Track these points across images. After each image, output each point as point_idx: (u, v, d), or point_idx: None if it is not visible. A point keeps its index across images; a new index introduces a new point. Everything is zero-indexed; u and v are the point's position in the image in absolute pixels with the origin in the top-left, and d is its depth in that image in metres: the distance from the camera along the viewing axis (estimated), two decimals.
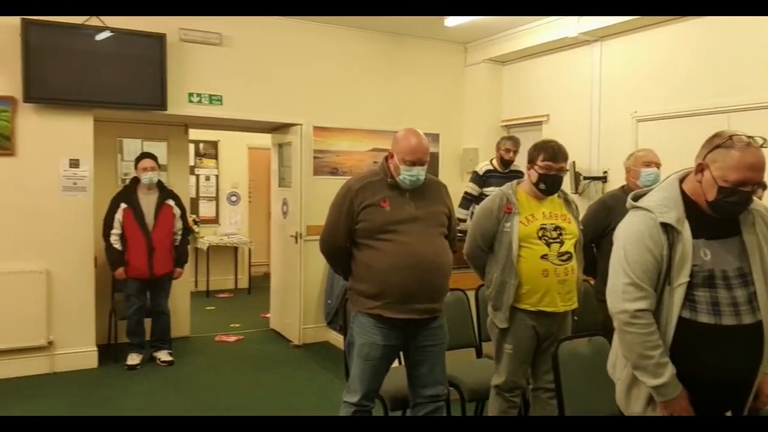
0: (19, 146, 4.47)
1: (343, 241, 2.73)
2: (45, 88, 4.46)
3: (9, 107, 4.40)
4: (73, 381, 4.46)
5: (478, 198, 5.07)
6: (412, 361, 2.79)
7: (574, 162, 5.03)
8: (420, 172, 2.68)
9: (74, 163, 4.65)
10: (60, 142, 4.59)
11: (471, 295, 3.56)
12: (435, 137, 6.05)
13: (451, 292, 3.26)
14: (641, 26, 4.70)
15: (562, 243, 2.83)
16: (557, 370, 2.34)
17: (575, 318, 2.97)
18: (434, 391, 2.78)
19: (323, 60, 5.56)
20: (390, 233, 2.62)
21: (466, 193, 5.19)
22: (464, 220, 4.85)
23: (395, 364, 2.86)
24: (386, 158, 2.77)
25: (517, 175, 5.00)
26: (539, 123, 5.68)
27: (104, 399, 4.15)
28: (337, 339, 5.36)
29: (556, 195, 2.93)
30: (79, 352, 4.72)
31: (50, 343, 4.60)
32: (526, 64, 5.86)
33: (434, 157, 5.92)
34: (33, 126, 4.51)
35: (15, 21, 4.31)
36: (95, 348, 4.82)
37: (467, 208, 5.07)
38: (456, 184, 5.56)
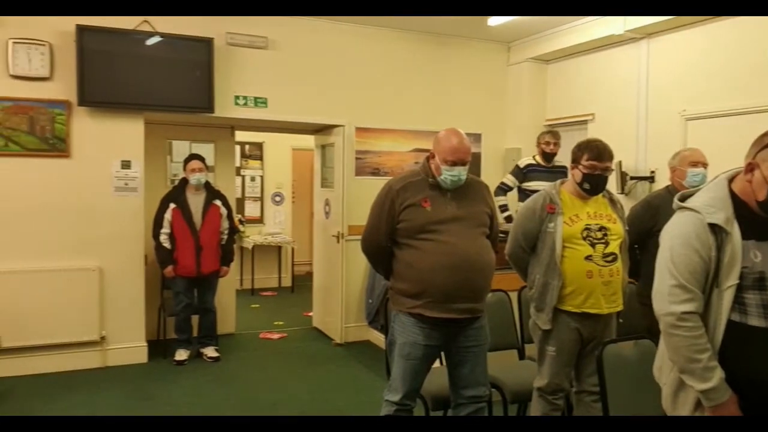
0: (74, 148, 4.65)
1: (384, 241, 2.75)
2: (98, 92, 4.62)
3: (65, 110, 4.59)
4: (124, 375, 4.62)
5: (518, 191, 5.07)
6: (453, 361, 2.79)
7: (620, 162, 4.94)
8: (461, 172, 2.68)
9: (126, 165, 4.81)
10: (112, 144, 4.76)
11: (513, 296, 3.53)
12: (477, 137, 6.02)
13: (493, 293, 3.25)
14: (690, 23, 4.57)
15: (607, 244, 2.78)
16: (602, 373, 2.31)
17: (620, 320, 2.91)
18: (475, 392, 2.77)
19: (366, 62, 5.60)
20: (431, 233, 2.63)
21: (501, 183, 5.16)
22: (505, 206, 5.00)
23: (436, 364, 2.87)
24: (427, 158, 2.77)
25: (561, 169, 4.96)
26: (584, 122, 5.59)
27: (154, 393, 4.28)
28: (378, 338, 5.39)
29: (600, 195, 2.89)
30: (130, 347, 4.88)
31: (103, 338, 4.77)
32: (571, 62, 5.77)
33: (476, 157, 5.91)
34: (87, 129, 4.68)
35: (70, 27, 4.49)
36: (145, 343, 4.97)
37: (498, 196, 5.03)
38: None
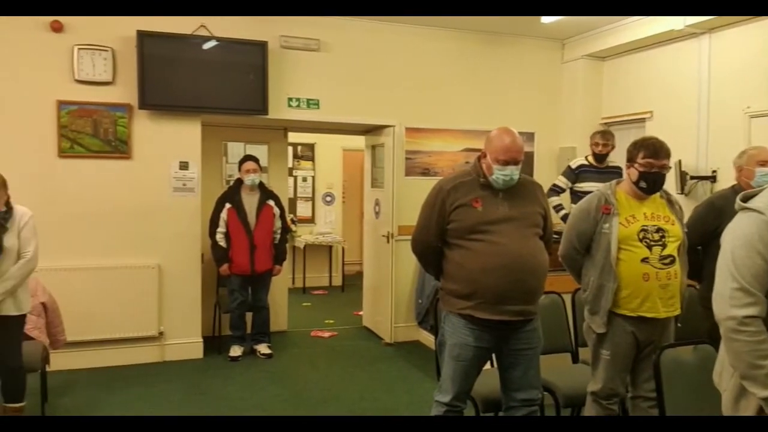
0: (135, 150, 4.83)
1: (434, 241, 2.74)
2: (157, 96, 4.79)
3: (126, 114, 4.77)
4: (180, 370, 4.77)
5: (567, 192, 4.99)
6: (504, 363, 2.76)
7: (679, 161, 4.77)
8: (514, 172, 2.65)
9: (183, 166, 4.96)
10: (171, 146, 4.92)
11: (567, 298, 3.47)
12: (530, 136, 5.94)
13: (546, 295, 3.20)
14: (754, 17, 4.37)
15: (664, 246, 2.69)
16: (659, 378, 2.24)
17: (679, 325, 2.82)
18: (528, 395, 2.73)
19: (416, 61, 5.61)
20: (482, 233, 2.61)
21: (553, 185, 5.08)
22: (559, 206, 4.93)
23: (487, 366, 2.85)
24: (479, 158, 2.75)
25: (614, 170, 4.84)
26: (642, 120, 5.43)
27: (208, 388, 4.40)
28: (428, 339, 5.38)
29: (658, 195, 2.80)
30: (187, 342, 5.03)
31: (161, 333, 4.93)
32: (628, 58, 5.62)
33: (529, 156, 5.82)
34: (147, 131, 4.86)
35: (131, 33, 4.66)
36: (201, 339, 5.12)
37: (551, 197, 4.96)
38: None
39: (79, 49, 4.61)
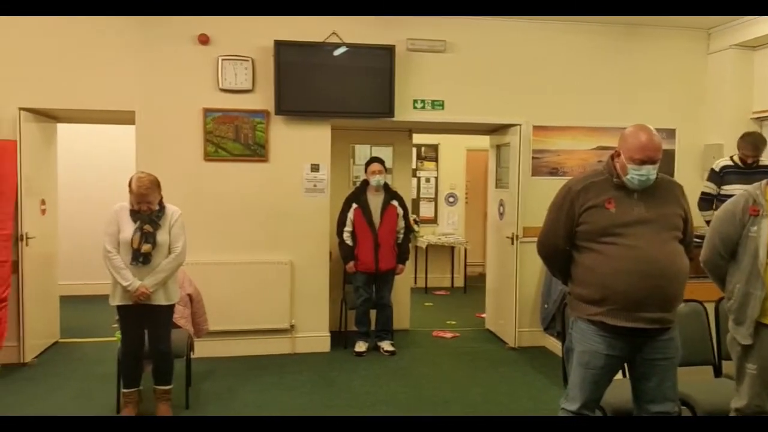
0: (271, 153, 5.14)
1: (562, 244, 2.66)
2: (292, 102, 5.05)
3: (264, 119, 5.08)
4: (309, 361, 4.99)
5: (718, 197, 4.63)
6: (637, 373, 2.62)
7: None
8: (651, 172, 2.50)
9: (315, 168, 5.20)
10: (303, 149, 5.17)
11: (710, 307, 3.23)
12: (670, 133, 5.56)
13: (686, 303, 3.01)
14: None
15: None
16: None
17: None
18: (663, 407, 2.57)
19: (544, 57, 5.45)
20: (615, 236, 2.49)
21: (703, 193, 4.73)
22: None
23: (618, 375, 2.71)
24: (612, 157, 2.63)
25: (763, 170, 4.43)
26: None
27: (335, 380, 4.57)
28: (554, 345, 5.21)
29: None
30: (315, 336, 5.26)
31: (292, 326, 5.20)
32: None
33: (669, 154, 5.45)
34: (282, 135, 5.14)
35: (269, 43, 4.95)
36: (328, 334, 5.33)
37: (707, 209, 4.63)
38: (695, 185, 5.04)
39: (223, 59, 4.98)
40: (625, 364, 2.68)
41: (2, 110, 4.72)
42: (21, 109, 4.75)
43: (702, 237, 2.84)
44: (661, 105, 5.57)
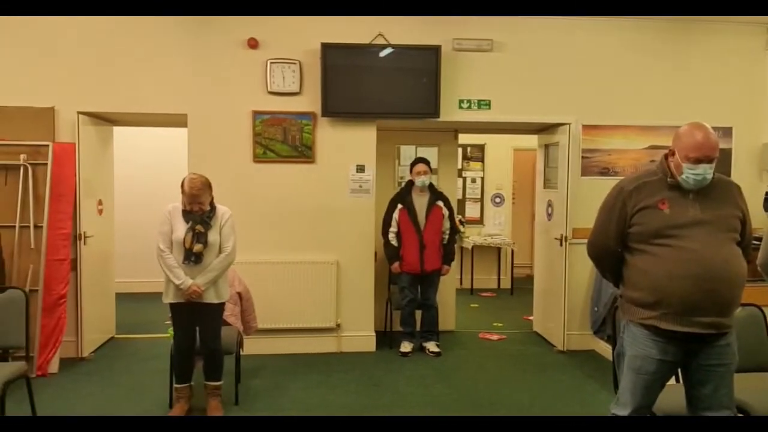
0: (318, 155, 5.19)
1: (613, 246, 2.60)
2: (338, 103, 5.10)
3: (311, 121, 5.14)
4: (355, 361, 5.03)
5: None
6: (692, 379, 2.54)
7: None
8: (707, 171, 2.42)
9: (360, 169, 5.23)
10: (349, 151, 5.21)
11: None
12: (727, 131, 5.37)
13: (743, 307, 2.91)
14: None
15: None
16: None
17: None
18: (718, 414, 2.49)
19: (594, 55, 5.34)
20: (669, 238, 2.42)
21: (767, 193, 4.52)
22: None
23: (671, 381, 2.64)
24: (666, 156, 2.56)
25: None
26: None
27: (381, 380, 4.59)
28: (604, 348, 5.10)
29: None
30: (361, 335, 5.30)
31: (338, 325, 5.25)
32: None
33: (725, 153, 5.28)
34: (328, 137, 5.19)
35: (316, 46, 5.01)
36: (374, 333, 5.35)
37: None
38: (753, 185, 4.86)
39: (272, 63, 5.07)
40: (679, 370, 2.61)
41: (62, 114, 4.93)
42: (79, 113, 4.95)
43: (760, 239, 2.72)
44: (716, 102, 5.38)
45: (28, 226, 4.69)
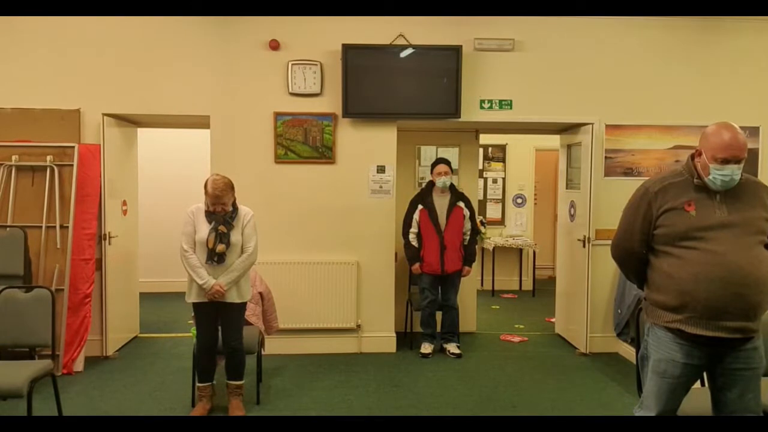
0: (338, 155, 5.21)
1: (638, 248, 2.57)
2: (359, 104, 5.11)
3: (332, 122, 5.16)
4: (375, 361, 5.02)
5: None
6: (718, 383, 2.50)
7: None
8: (735, 172, 2.37)
9: (380, 169, 5.23)
10: (369, 151, 5.22)
11: None
12: (754, 131, 5.27)
13: None
14: None
15: None
16: None
17: None
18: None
19: (616, 53, 5.27)
20: (695, 240, 2.38)
21: None
22: None
23: (697, 384, 2.59)
24: (692, 156, 2.51)
25: None
26: None
27: (401, 381, 4.58)
28: (627, 351, 5.03)
29: None
30: (381, 336, 5.29)
31: (358, 326, 5.26)
32: None
33: (753, 154, 5.18)
34: (348, 137, 5.20)
35: (337, 47, 5.03)
36: (394, 334, 5.35)
37: None
38: None
39: (293, 64, 5.09)
40: (705, 374, 2.57)
41: (88, 116, 5.01)
42: (104, 114, 5.02)
43: None
44: (743, 101, 5.28)
45: (54, 227, 4.78)
